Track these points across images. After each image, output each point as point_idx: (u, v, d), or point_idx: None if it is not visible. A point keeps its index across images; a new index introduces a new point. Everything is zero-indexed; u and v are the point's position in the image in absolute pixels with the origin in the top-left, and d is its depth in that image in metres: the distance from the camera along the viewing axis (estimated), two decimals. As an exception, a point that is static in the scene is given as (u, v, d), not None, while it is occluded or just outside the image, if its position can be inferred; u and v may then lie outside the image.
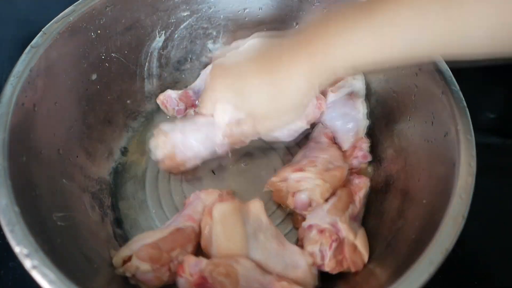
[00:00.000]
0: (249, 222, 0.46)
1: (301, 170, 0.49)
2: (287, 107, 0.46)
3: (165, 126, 0.50)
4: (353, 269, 0.46)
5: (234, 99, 0.47)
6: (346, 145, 0.55)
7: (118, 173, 0.56)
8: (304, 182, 0.49)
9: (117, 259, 0.45)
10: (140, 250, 0.44)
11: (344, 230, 0.46)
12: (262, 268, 0.44)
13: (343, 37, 0.39)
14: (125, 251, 0.45)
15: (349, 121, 0.56)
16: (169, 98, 0.58)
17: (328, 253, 0.45)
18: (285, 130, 0.54)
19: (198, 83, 0.60)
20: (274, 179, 0.51)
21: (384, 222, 0.49)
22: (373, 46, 0.37)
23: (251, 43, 0.51)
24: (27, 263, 0.36)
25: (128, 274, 0.44)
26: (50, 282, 0.35)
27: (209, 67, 0.60)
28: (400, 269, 0.38)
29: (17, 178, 0.40)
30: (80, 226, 0.46)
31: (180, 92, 0.59)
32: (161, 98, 0.59)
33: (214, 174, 0.56)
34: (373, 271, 0.45)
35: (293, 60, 0.43)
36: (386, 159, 0.54)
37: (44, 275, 0.35)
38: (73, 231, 0.45)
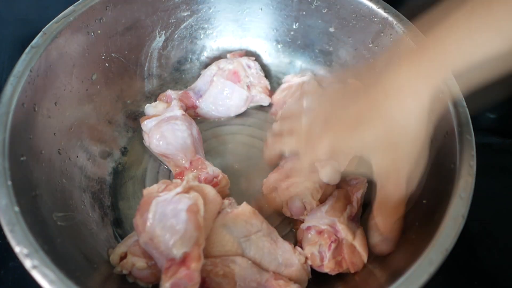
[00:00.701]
0: (237, 228, 0.46)
1: (288, 177, 0.49)
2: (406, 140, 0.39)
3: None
4: (352, 270, 0.45)
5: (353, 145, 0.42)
6: None
7: (118, 173, 0.56)
8: (294, 187, 0.49)
9: (114, 256, 0.45)
10: (133, 246, 0.44)
11: (343, 231, 0.46)
12: (259, 266, 0.44)
13: (442, 40, 0.36)
14: (121, 248, 0.45)
15: None
16: (169, 98, 0.58)
17: (327, 254, 0.45)
18: None
19: (198, 84, 0.60)
20: (264, 191, 0.51)
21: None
22: (472, 48, 0.35)
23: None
24: (27, 263, 0.36)
25: (125, 272, 0.44)
26: (50, 282, 0.35)
27: (210, 67, 0.60)
28: (400, 269, 0.38)
29: (17, 178, 0.40)
30: (80, 226, 0.46)
31: (180, 92, 0.59)
32: (162, 99, 0.59)
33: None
34: (373, 271, 0.45)
35: (406, 74, 0.38)
36: (386, 159, 0.54)
37: (44, 275, 0.35)
38: (73, 231, 0.45)
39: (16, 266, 0.51)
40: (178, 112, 0.55)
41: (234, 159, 0.57)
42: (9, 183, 0.39)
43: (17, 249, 0.36)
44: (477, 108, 0.45)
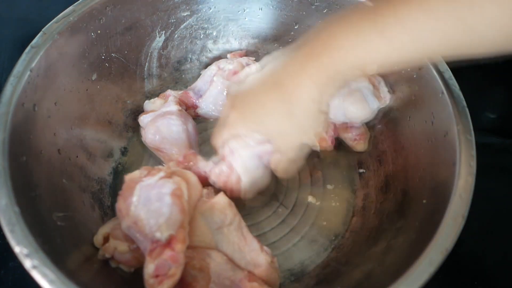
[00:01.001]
0: (213, 218, 0.45)
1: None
2: (304, 121, 0.43)
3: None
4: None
5: (254, 127, 0.46)
6: (338, 121, 0.56)
7: (118, 173, 0.56)
8: None
9: (97, 236, 0.45)
10: (115, 229, 0.44)
11: None
12: (232, 262, 0.45)
13: (350, 39, 0.37)
14: (104, 228, 0.45)
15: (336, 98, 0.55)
16: (167, 98, 0.58)
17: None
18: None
19: (198, 84, 0.60)
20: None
21: (384, 222, 0.49)
22: (383, 48, 0.36)
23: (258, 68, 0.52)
24: (27, 263, 0.36)
25: (107, 255, 0.44)
26: (50, 282, 0.35)
27: (210, 67, 0.60)
28: (400, 269, 0.38)
29: (17, 178, 0.40)
30: (80, 226, 0.46)
31: (180, 92, 0.59)
32: (162, 98, 0.59)
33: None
34: (373, 271, 0.45)
35: (300, 70, 0.41)
36: (386, 159, 0.54)
37: (44, 275, 0.35)
38: (73, 231, 0.45)
39: (16, 266, 0.51)
40: (174, 107, 0.55)
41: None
42: (9, 183, 0.39)
43: (17, 249, 0.36)
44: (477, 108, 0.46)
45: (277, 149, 0.47)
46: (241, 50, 0.63)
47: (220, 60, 0.61)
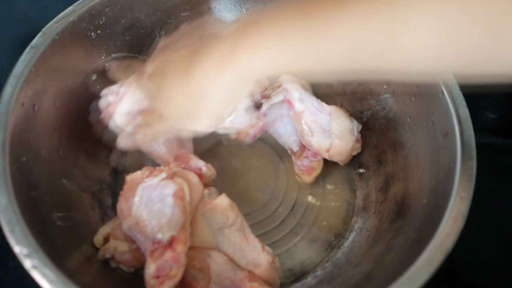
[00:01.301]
0: (214, 219, 0.45)
1: None
2: (201, 112, 0.41)
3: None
4: None
5: (151, 91, 0.43)
6: (294, 147, 0.55)
7: (118, 173, 0.56)
8: None
9: (98, 236, 0.45)
10: (115, 229, 0.44)
11: None
12: (233, 262, 0.45)
13: (273, 40, 0.34)
14: (105, 229, 0.46)
15: (287, 124, 0.55)
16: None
17: None
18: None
19: None
20: None
21: (384, 222, 0.49)
22: (306, 54, 0.33)
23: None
24: (27, 263, 0.36)
25: (107, 256, 0.45)
26: (50, 282, 0.35)
27: None
28: (400, 269, 0.38)
29: (17, 178, 0.40)
30: (80, 226, 0.46)
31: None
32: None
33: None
34: (373, 271, 0.45)
35: (216, 61, 0.37)
36: (386, 159, 0.54)
37: (44, 275, 0.35)
38: (73, 231, 0.45)
39: (16, 266, 0.51)
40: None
41: (230, 159, 0.58)
42: (9, 183, 0.39)
43: (17, 249, 0.36)
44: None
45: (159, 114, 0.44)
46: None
47: None
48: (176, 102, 0.41)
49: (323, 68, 0.34)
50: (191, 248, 0.43)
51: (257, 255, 0.45)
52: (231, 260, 0.45)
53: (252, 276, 0.44)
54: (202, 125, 0.43)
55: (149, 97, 0.45)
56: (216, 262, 0.43)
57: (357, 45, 0.31)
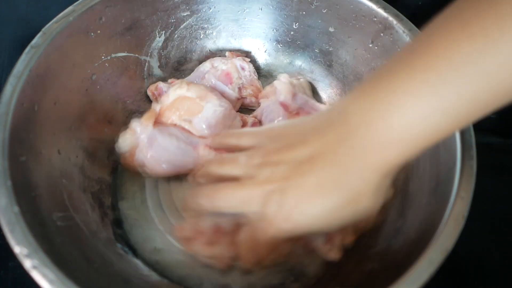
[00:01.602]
0: None
1: None
2: (349, 190, 0.34)
3: (136, 124, 0.52)
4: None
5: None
6: None
7: (118, 173, 0.56)
8: None
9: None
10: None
11: None
12: None
13: (405, 94, 0.30)
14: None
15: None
16: (161, 90, 0.58)
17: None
18: None
19: (190, 78, 0.60)
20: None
21: (384, 222, 0.49)
22: (433, 108, 0.30)
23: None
24: (27, 263, 0.36)
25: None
26: (50, 282, 0.35)
27: (204, 63, 0.60)
28: (400, 269, 0.38)
29: (17, 178, 0.40)
30: (80, 226, 0.46)
31: (170, 81, 0.59)
32: (152, 89, 0.59)
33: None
34: (373, 271, 0.45)
35: (345, 139, 0.32)
36: (386, 159, 0.54)
37: (44, 275, 0.35)
38: (73, 231, 0.45)
39: (15, 266, 0.51)
40: (149, 129, 0.52)
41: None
42: (9, 183, 0.39)
43: (16, 249, 0.36)
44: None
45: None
46: (240, 50, 0.63)
47: (215, 58, 0.61)
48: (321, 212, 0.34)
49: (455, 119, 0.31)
50: None
51: None
52: None
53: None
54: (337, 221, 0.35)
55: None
56: None
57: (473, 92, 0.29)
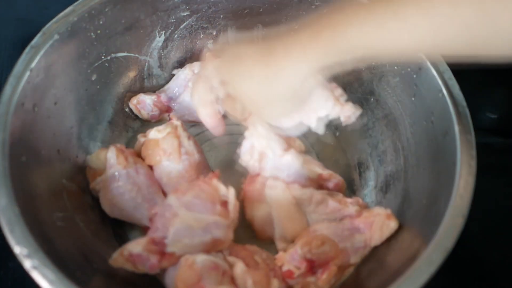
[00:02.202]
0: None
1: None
2: (283, 93, 0.41)
3: (111, 156, 0.50)
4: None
5: (228, 77, 0.44)
6: None
7: (118, 173, 0.56)
8: None
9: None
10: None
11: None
12: None
13: (360, 16, 0.35)
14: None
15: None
16: (143, 103, 0.58)
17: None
18: (290, 122, 0.47)
19: (171, 85, 0.60)
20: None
21: (384, 222, 0.49)
22: (394, 29, 0.34)
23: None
24: (27, 263, 0.36)
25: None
26: (50, 282, 0.35)
27: (183, 70, 0.59)
28: (400, 269, 0.38)
29: (17, 178, 0.40)
30: (80, 226, 0.46)
31: (153, 97, 0.58)
32: (134, 103, 0.58)
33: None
34: (374, 271, 0.45)
35: (294, 42, 0.38)
36: (386, 159, 0.54)
37: (44, 275, 0.35)
38: (73, 231, 0.45)
39: (16, 266, 0.50)
40: (118, 168, 0.49)
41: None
42: (9, 183, 0.39)
43: (16, 249, 0.36)
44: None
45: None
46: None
47: (194, 63, 0.59)
48: (252, 86, 0.41)
49: (409, 43, 0.34)
50: None
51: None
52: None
53: None
54: (284, 108, 0.43)
55: (223, 82, 0.44)
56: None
57: (444, 22, 0.31)
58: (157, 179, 0.51)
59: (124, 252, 0.43)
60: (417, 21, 0.32)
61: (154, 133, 0.52)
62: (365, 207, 0.50)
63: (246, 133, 0.50)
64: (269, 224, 0.49)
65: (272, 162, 0.50)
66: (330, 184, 0.52)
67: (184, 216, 0.44)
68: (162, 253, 0.44)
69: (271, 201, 0.49)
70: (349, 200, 0.50)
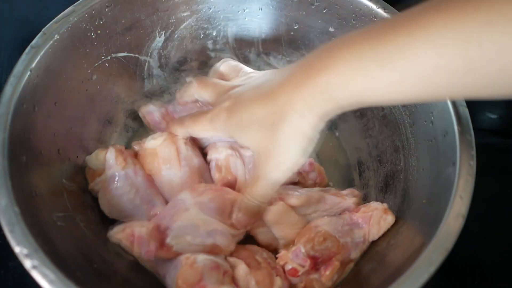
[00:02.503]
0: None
1: None
2: (285, 141, 0.40)
3: (111, 156, 0.50)
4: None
5: (233, 131, 0.45)
6: None
7: (118, 173, 0.56)
8: None
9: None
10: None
11: None
12: None
13: (349, 64, 0.35)
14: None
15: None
16: (151, 115, 0.57)
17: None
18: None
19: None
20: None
21: (384, 222, 0.49)
22: (383, 79, 0.33)
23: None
24: (27, 263, 0.36)
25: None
26: (50, 282, 0.35)
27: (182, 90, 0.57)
28: (400, 269, 0.38)
29: (17, 178, 0.40)
30: (80, 226, 0.46)
31: (162, 109, 0.57)
32: (143, 112, 0.57)
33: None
34: (374, 271, 0.45)
35: (294, 87, 0.38)
36: (386, 159, 0.54)
37: (44, 275, 0.35)
38: (73, 231, 0.45)
39: (16, 266, 0.51)
40: (117, 168, 0.49)
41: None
42: (9, 183, 0.39)
43: (17, 249, 0.36)
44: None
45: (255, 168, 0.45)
46: (240, 49, 0.63)
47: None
48: (262, 135, 0.42)
49: (398, 93, 0.34)
50: None
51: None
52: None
53: None
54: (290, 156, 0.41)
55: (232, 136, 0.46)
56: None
57: (430, 71, 0.31)
58: (159, 189, 0.51)
59: (127, 230, 0.43)
60: (404, 70, 0.32)
61: (150, 142, 0.51)
62: (360, 197, 0.51)
63: (207, 158, 0.52)
64: (274, 239, 0.48)
65: (239, 164, 0.50)
66: (313, 175, 0.53)
67: (194, 214, 0.44)
68: (162, 243, 0.44)
69: (271, 224, 0.47)
70: (344, 192, 0.50)
